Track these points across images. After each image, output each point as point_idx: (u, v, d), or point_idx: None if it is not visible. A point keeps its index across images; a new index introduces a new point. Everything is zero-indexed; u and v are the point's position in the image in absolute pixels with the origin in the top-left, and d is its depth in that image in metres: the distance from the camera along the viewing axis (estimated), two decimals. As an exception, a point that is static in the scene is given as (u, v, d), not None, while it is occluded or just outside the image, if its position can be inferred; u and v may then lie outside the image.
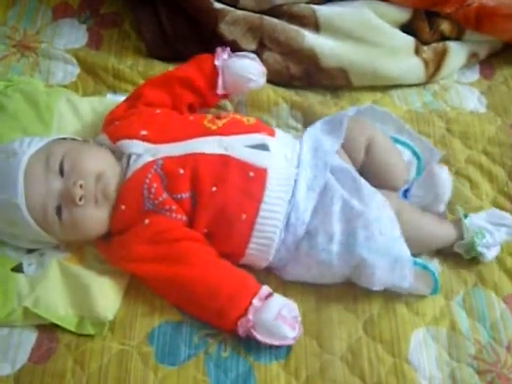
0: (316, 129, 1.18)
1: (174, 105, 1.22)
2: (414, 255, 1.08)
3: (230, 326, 1.03)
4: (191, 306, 1.06)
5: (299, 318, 1.03)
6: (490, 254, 1.15)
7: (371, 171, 1.18)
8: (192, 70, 1.23)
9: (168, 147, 1.09)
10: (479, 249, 1.13)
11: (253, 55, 1.24)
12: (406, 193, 1.20)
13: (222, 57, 1.22)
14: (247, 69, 1.21)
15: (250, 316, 1.00)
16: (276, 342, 1.01)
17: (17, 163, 1.04)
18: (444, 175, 1.17)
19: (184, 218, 1.06)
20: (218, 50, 1.24)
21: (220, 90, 1.23)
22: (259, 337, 1.01)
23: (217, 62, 1.22)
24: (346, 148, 1.16)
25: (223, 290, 1.02)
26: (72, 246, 1.13)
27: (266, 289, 1.04)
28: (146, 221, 1.05)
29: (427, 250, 1.16)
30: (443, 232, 1.15)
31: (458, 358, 1.05)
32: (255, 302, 1.01)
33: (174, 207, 1.05)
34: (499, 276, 1.15)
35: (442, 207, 1.18)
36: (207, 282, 1.03)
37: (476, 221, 1.15)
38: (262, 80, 1.24)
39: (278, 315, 1.00)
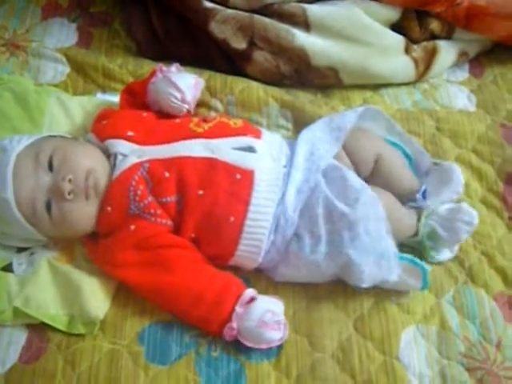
0: (313, 132, 1.17)
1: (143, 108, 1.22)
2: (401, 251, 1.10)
3: (215, 331, 1.04)
4: (176, 312, 1.06)
5: (284, 320, 1.03)
6: (440, 256, 1.16)
7: (380, 184, 1.18)
8: (139, 83, 1.25)
9: (154, 149, 1.09)
10: (428, 250, 1.15)
11: (183, 81, 1.21)
12: (423, 193, 1.19)
13: (159, 75, 1.21)
14: (167, 95, 1.19)
15: (234, 324, 1.01)
16: (263, 346, 1.03)
17: (6, 159, 1.04)
18: (455, 168, 1.20)
19: (169, 223, 1.06)
20: (159, 66, 1.23)
21: (153, 107, 1.22)
22: (246, 342, 1.02)
23: (152, 79, 1.21)
24: (353, 158, 1.17)
25: (206, 298, 1.03)
26: (62, 245, 1.13)
27: (248, 293, 1.04)
28: (132, 227, 1.05)
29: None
30: (408, 223, 1.16)
31: (448, 356, 1.06)
32: (237, 308, 1.01)
33: (158, 212, 1.05)
34: (489, 274, 1.16)
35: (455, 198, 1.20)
36: (190, 291, 1.03)
37: (432, 220, 1.15)
38: (186, 107, 1.20)
39: (260, 322, 1.00)
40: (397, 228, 1.10)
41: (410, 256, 1.11)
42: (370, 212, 1.06)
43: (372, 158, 1.19)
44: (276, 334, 1.02)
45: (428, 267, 1.14)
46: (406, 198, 1.20)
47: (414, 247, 1.17)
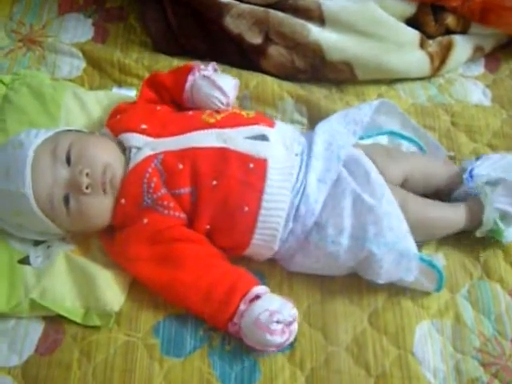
0: (330, 123, 1.17)
1: (164, 103, 1.22)
2: (421, 244, 1.10)
3: (223, 328, 1.04)
4: (187, 308, 1.06)
5: (288, 322, 1.00)
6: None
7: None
8: (171, 78, 1.23)
9: (167, 141, 1.09)
10: (504, 234, 1.13)
11: (226, 84, 1.20)
12: (470, 173, 1.15)
13: (197, 73, 1.21)
14: (211, 98, 1.18)
15: (236, 320, 1.01)
16: (258, 347, 1.01)
17: (24, 153, 1.05)
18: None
19: (182, 215, 1.06)
20: (197, 64, 1.23)
21: (189, 104, 1.21)
22: (246, 340, 1.02)
23: (190, 77, 1.20)
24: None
25: (215, 295, 1.02)
26: (78, 239, 1.13)
27: (255, 290, 1.02)
28: (145, 220, 1.05)
29: (436, 237, 1.16)
30: (451, 219, 1.15)
31: (463, 351, 1.06)
32: (241, 305, 1.01)
33: (171, 204, 1.05)
34: (505, 269, 1.15)
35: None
36: (200, 287, 1.03)
37: (496, 203, 1.12)
38: (229, 109, 1.19)
39: (256, 320, 0.98)
40: (439, 227, 1.14)
41: (428, 258, 1.10)
42: (392, 209, 1.06)
43: (400, 179, 1.18)
44: (271, 338, 0.99)
45: (443, 262, 1.14)
46: (451, 188, 1.18)
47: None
